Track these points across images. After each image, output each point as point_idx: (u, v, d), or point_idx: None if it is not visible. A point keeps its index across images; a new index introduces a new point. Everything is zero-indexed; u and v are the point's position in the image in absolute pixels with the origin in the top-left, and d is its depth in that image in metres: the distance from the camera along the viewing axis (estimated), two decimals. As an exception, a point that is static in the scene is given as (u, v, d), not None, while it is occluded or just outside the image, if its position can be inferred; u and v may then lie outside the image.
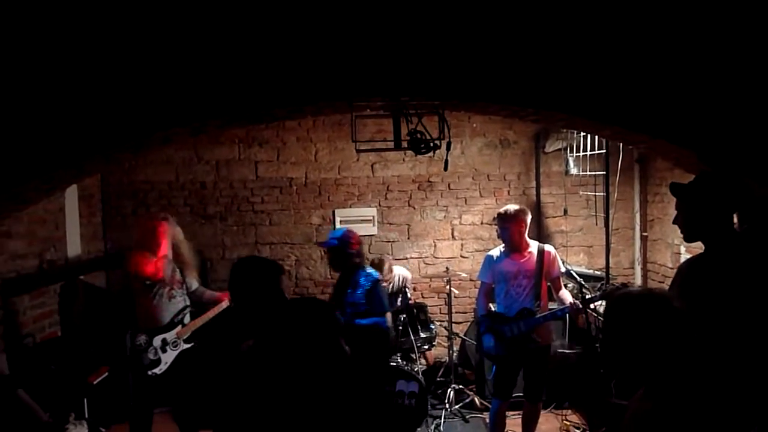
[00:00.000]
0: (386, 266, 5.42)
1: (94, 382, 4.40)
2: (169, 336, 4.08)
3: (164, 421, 4.97)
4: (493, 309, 4.39)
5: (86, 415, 4.13)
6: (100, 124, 2.64)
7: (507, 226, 4.16)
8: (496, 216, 4.44)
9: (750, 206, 2.90)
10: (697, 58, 2.77)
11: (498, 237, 4.51)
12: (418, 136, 2.85)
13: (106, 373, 4.54)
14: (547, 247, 4.35)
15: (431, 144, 2.88)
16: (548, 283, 4.29)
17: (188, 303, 4.27)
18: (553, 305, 4.41)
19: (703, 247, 2.58)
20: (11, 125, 2.60)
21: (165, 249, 4.12)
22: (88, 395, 4.30)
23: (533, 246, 4.28)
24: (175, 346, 4.09)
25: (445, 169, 3.33)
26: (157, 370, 4.02)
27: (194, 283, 4.40)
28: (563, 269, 4.43)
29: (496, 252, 4.35)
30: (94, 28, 2.58)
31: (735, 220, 2.63)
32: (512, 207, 4.22)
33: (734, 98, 2.79)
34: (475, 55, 2.67)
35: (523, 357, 4.14)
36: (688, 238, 2.58)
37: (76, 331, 4.96)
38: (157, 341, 4.03)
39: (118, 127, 2.68)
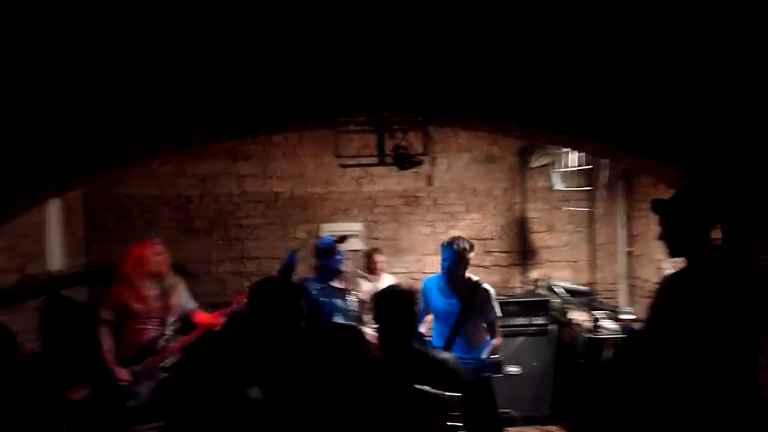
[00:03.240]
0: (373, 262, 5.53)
1: (76, 399, 4.32)
2: (143, 367, 3.93)
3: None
4: None
5: (66, 433, 4.04)
6: (81, 138, 2.63)
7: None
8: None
9: (730, 221, 2.94)
10: (677, 75, 2.81)
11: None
12: (402, 151, 2.86)
13: (88, 391, 4.46)
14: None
15: (415, 159, 2.90)
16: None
17: (169, 331, 4.08)
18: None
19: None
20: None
21: (151, 277, 3.98)
22: (69, 413, 4.21)
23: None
24: (151, 377, 3.95)
25: (430, 184, 3.34)
26: (133, 402, 3.87)
27: (189, 304, 4.24)
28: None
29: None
30: (79, 43, 2.57)
31: (719, 234, 2.66)
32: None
33: (715, 115, 2.83)
34: (458, 72, 2.70)
35: None
36: (672, 254, 2.60)
37: (56, 346, 4.88)
38: (130, 371, 3.89)
39: (100, 142, 2.67)
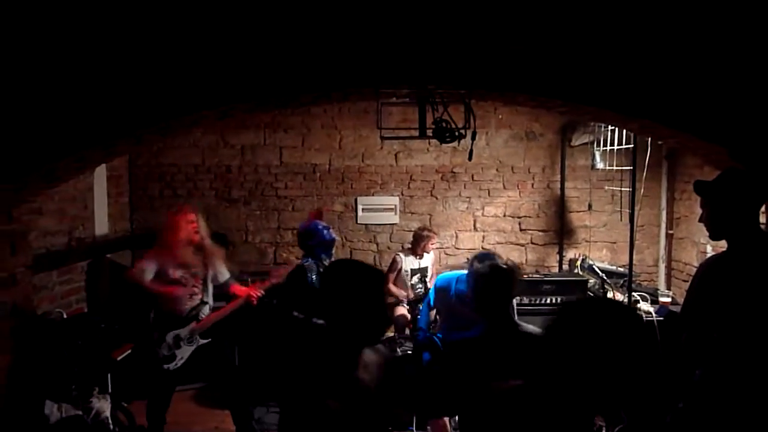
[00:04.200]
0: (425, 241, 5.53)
1: (118, 358, 4.50)
2: (183, 332, 4.02)
3: (185, 399, 5.10)
4: None
5: (109, 390, 4.22)
6: (130, 105, 2.69)
7: None
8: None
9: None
10: (729, 52, 2.71)
11: None
12: (444, 125, 2.84)
13: (130, 350, 4.64)
14: None
15: (456, 133, 2.87)
16: None
17: (207, 299, 4.17)
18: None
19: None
20: (46, 104, 2.67)
21: (186, 244, 4.05)
22: (112, 371, 4.39)
23: None
24: (190, 342, 4.03)
25: (470, 158, 3.32)
26: (171, 366, 3.98)
27: (224, 275, 4.29)
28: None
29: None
30: (131, 12, 2.62)
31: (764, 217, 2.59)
32: None
33: (766, 94, 2.73)
34: (503, 44, 2.66)
35: None
36: (714, 237, 2.54)
37: (101, 307, 5.08)
38: (169, 337, 3.98)
39: (148, 109, 2.73)
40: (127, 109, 2.67)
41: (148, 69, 2.68)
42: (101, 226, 5.36)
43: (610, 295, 4.73)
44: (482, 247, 6.37)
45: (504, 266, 2.51)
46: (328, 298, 1.92)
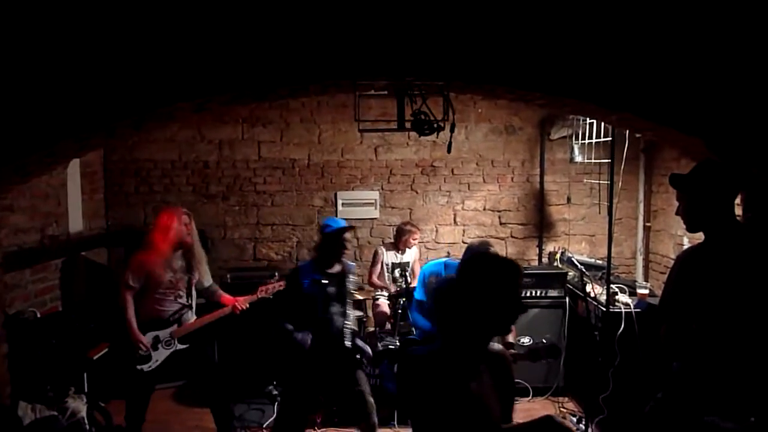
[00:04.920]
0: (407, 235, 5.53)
1: (94, 357, 4.43)
2: (162, 334, 3.95)
3: (164, 397, 5.03)
4: None
5: (85, 390, 4.15)
6: (103, 96, 2.63)
7: None
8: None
9: (754, 195, 2.88)
10: (706, 44, 2.73)
11: None
12: (422, 117, 2.82)
13: (106, 349, 4.56)
14: None
15: (434, 125, 2.86)
16: None
17: (189, 303, 4.10)
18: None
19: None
20: (15, 96, 2.59)
21: (177, 246, 3.97)
22: (88, 370, 4.32)
23: None
24: (168, 345, 3.97)
25: (449, 151, 3.30)
26: (145, 367, 3.90)
27: (207, 280, 4.22)
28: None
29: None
30: (106, 1, 2.55)
31: (740, 209, 2.61)
32: None
33: (743, 86, 2.75)
34: (482, 36, 2.64)
35: None
36: (691, 229, 2.57)
37: (77, 306, 4.98)
38: (148, 337, 3.91)
39: (121, 101, 2.66)
40: (99, 101, 2.60)
41: (121, 60, 2.61)
42: (75, 223, 5.25)
43: (588, 287, 4.76)
44: (463, 241, 6.39)
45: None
46: (468, 292, 1.86)
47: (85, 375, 4.27)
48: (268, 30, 2.59)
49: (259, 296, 4.21)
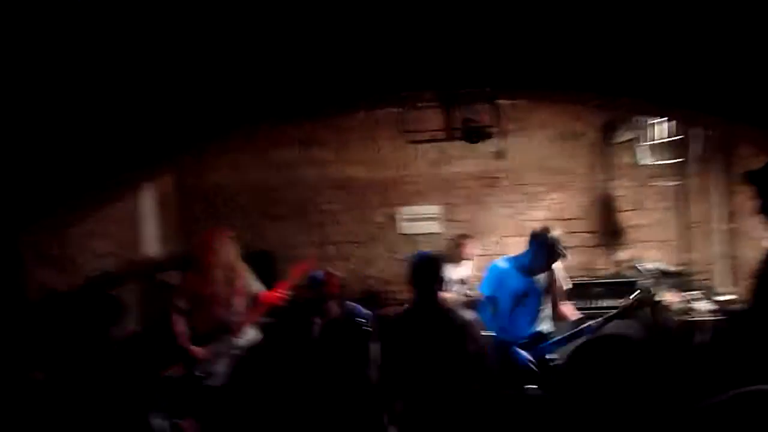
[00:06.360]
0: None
1: (171, 377, 4.60)
2: (221, 346, 4.08)
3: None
4: None
5: (163, 408, 4.30)
6: (163, 128, 2.77)
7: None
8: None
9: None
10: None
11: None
12: (470, 124, 2.80)
13: (181, 369, 4.72)
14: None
15: (483, 132, 2.82)
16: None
17: (235, 313, 4.19)
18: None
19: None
20: (91, 130, 2.77)
21: (215, 265, 4.10)
22: (165, 389, 4.48)
23: None
24: (226, 355, 4.09)
25: (503, 158, 3.24)
26: (212, 381, 4.04)
27: (256, 286, 4.30)
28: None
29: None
30: (172, 36, 2.69)
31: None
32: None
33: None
34: (526, 40, 2.60)
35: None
36: (772, 227, 2.40)
37: (154, 327, 5.20)
38: (207, 351, 4.06)
39: (180, 134, 2.80)
40: (157, 133, 2.74)
41: (180, 96, 2.75)
42: (150, 247, 5.52)
43: (659, 297, 4.51)
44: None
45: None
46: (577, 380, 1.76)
47: (162, 394, 4.43)
48: (313, 51, 2.64)
49: (294, 280, 4.25)
